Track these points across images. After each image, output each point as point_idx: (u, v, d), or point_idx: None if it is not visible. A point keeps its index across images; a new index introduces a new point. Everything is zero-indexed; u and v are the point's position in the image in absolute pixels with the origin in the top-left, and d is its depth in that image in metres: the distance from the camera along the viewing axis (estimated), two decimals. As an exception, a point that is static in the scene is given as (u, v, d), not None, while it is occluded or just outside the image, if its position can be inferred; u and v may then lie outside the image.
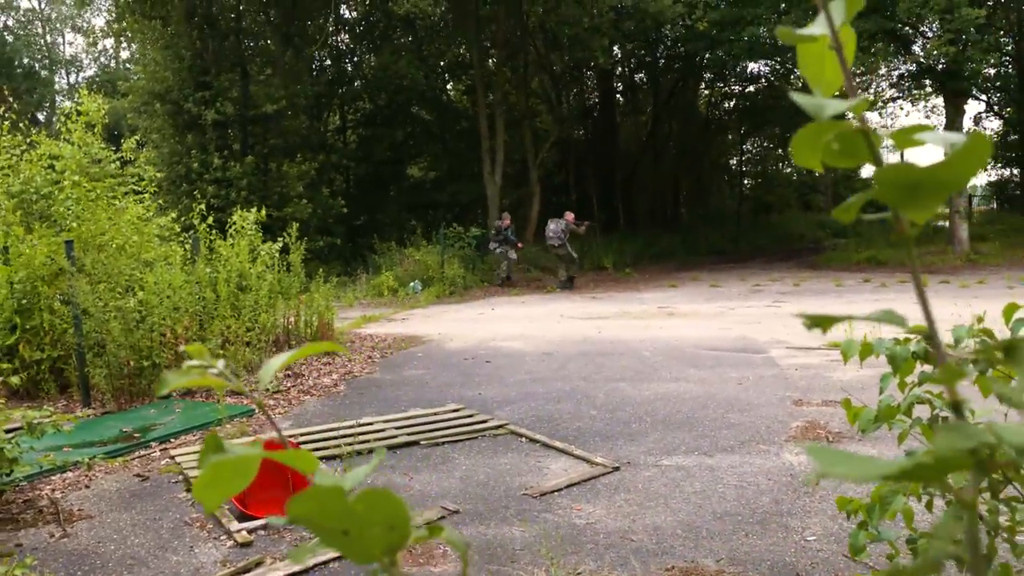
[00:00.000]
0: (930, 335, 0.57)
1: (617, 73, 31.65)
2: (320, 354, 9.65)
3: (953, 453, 0.45)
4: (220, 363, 0.65)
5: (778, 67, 32.15)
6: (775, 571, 3.41)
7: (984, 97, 30.96)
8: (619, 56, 28.55)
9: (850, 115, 0.56)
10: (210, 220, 9.79)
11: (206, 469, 0.62)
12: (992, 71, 28.65)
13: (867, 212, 0.61)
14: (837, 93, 0.66)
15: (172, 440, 6.13)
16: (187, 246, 9.59)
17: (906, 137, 0.54)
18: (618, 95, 33.91)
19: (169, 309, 7.94)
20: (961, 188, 0.52)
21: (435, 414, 6.42)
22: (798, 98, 0.55)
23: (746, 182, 40.77)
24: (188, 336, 7.96)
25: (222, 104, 19.32)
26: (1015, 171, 37.20)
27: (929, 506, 1.63)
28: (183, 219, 10.56)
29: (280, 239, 10.08)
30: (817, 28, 0.60)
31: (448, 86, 30.24)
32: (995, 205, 41.01)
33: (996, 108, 32.31)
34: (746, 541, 3.75)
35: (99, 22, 38.34)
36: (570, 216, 18.31)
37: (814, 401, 6.50)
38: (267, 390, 7.52)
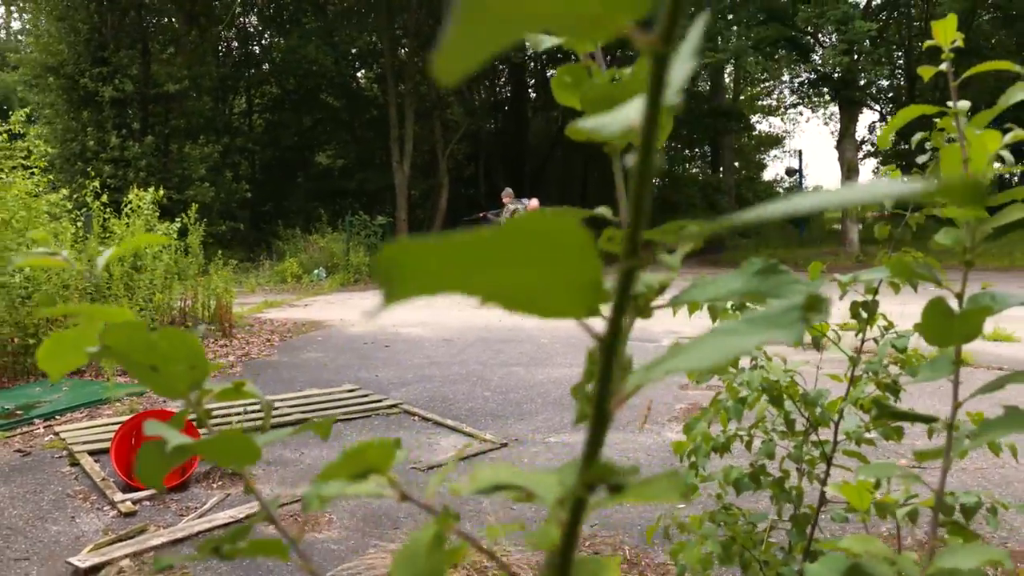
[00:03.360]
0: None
1: (529, 68, 31.94)
2: (216, 336, 9.54)
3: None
4: (64, 252, 0.74)
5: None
6: (645, 535, 3.61)
7: (877, 107, 32.50)
8: (532, 51, 28.80)
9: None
10: (104, 199, 9.53)
11: (47, 341, 0.72)
12: (885, 83, 30.16)
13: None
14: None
15: (57, 417, 6.00)
16: (79, 224, 9.32)
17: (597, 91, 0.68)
18: (530, 90, 34.22)
19: (58, 287, 7.73)
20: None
21: (330, 394, 6.46)
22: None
23: (653, 181, 41.62)
24: (77, 314, 7.76)
25: (121, 81, 18.71)
26: (904, 179, 39.07)
27: (748, 446, 1.83)
28: (76, 197, 10.25)
29: (178, 220, 9.90)
30: None
31: (359, 73, 29.98)
32: (885, 211, 43.03)
33: (888, 119, 33.93)
34: (620, 508, 3.95)
35: (-10, -10, 36.52)
36: (533, 203, 14.76)
37: (699, 386, 6.79)
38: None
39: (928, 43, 1.14)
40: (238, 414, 5.67)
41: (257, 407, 5.93)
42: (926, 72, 1.17)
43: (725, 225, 0.35)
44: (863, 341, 1.56)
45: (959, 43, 1.13)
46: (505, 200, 15.58)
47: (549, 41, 0.68)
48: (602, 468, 0.34)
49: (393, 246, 0.24)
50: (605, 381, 0.34)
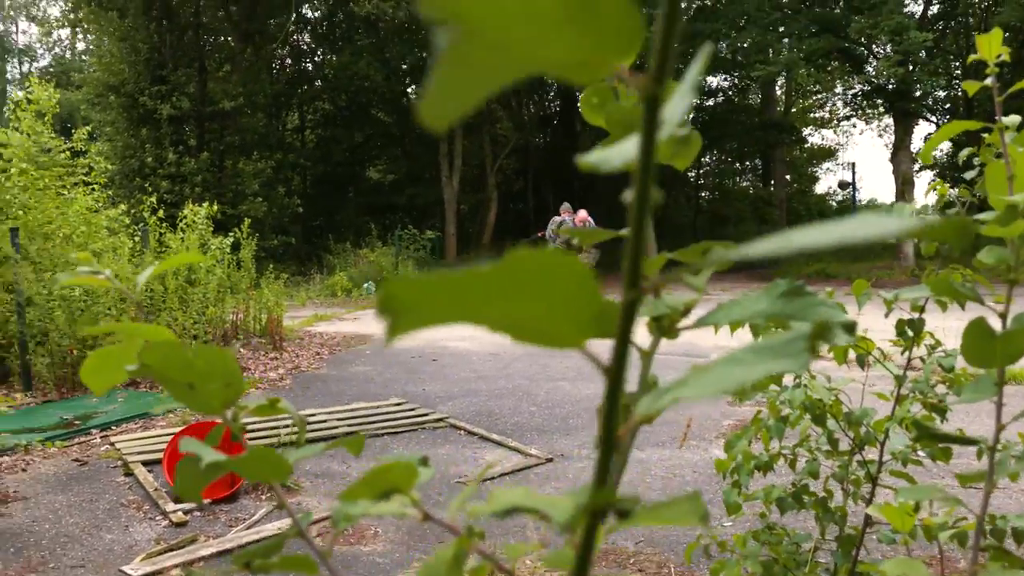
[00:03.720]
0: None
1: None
2: (267, 349, 9.68)
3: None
4: (108, 271, 0.77)
5: (737, 82, 32.79)
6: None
7: (934, 119, 31.81)
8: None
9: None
10: (161, 214, 9.77)
11: (90, 357, 0.74)
12: (942, 93, 29.57)
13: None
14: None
15: (113, 428, 6.14)
16: (136, 238, 9.56)
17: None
18: (579, 104, 34.22)
19: (115, 300, 7.93)
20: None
21: (377, 407, 6.52)
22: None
23: (704, 194, 41.32)
24: (134, 327, 7.95)
25: (178, 99, 19.19)
26: (953, 193, 38.06)
27: (793, 465, 1.80)
28: (134, 212, 10.53)
29: (231, 235, 10.10)
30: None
31: (409, 89, 30.31)
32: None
33: (944, 130, 33.09)
34: (665, 526, 3.91)
35: (55, 11, 37.75)
36: (581, 215, 13.70)
37: (748, 401, 6.71)
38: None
39: (973, 57, 1.13)
40: (286, 427, 5.76)
41: (318, 419, 6.02)
42: (971, 87, 1.15)
43: (740, 255, 0.35)
44: (909, 359, 1.53)
45: (1005, 57, 1.11)
46: (562, 213, 14.81)
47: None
48: (607, 495, 0.35)
49: (396, 281, 0.25)
50: (611, 409, 0.34)
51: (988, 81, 1.11)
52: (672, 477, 4.73)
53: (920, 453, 1.56)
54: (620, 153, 0.31)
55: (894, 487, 1.59)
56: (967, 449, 2.31)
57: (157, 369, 0.60)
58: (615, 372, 0.34)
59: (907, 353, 1.52)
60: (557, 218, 13.75)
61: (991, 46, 1.04)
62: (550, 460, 5.08)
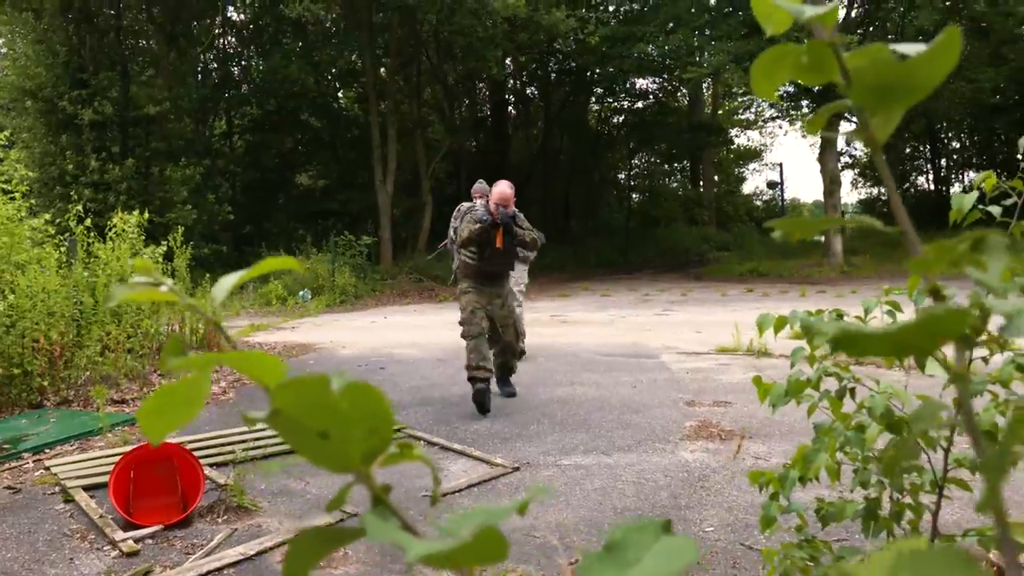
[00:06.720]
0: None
1: (509, 86, 31.93)
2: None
3: (942, 315, 0.45)
4: (169, 281, 0.60)
5: (666, 84, 33.12)
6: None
7: (856, 119, 32.54)
8: (511, 68, 28.85)
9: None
10: (88, 223, 9.30)
11: (152, 396, 0.57)
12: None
13: (827, 129, 0.62)
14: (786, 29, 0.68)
15: (47, 451, 5.76)
16: (63, 249, 9.08)
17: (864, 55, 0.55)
18: (510, 107, 34.21)
19: (43, 314, 7.49)
20: (933, 88, 0.53)
21: (330, 419, 6.27)
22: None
23: (634, 196, 41.72)
24: (64, 343, 7.54)
25: (100, 104, 18.46)
26: (883, 190, 39.27)
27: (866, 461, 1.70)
28: (58, 222, 10.01)
29: (163, 244, 9.69)
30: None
31: (339, 93, 29.85)
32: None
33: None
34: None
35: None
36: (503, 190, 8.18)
37: (705, 402, 6.68)
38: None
39: None
40: (236, 443, 5.48)
41: (270, 434, 5.70)
42: None
43: None
44: (970, 360, 1.43)
45: None
46: (474, 197, 9.58)
47: (811, 11, 0.54)
48: None
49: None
50: None
51: None
52: (643, 482, 4.62)
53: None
54: None
55: (953, 496, 1.49)
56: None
57: (293, 415, 0.44)
58: None
59: (968, 353, 1.42)
60: (464, 204, 8.48)
61: None
62: (516, 469, 4.93)
